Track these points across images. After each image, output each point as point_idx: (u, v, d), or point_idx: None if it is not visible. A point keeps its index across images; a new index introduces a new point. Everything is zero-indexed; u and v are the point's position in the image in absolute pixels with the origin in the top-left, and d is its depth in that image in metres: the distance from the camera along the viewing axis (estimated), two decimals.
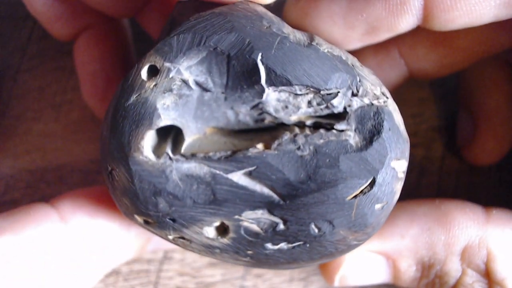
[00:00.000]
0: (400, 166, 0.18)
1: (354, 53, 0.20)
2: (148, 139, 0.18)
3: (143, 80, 0.18)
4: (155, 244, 0.23)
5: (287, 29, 0.18)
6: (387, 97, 0.18)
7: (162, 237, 0.19)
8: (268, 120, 0.18)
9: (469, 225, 0.21)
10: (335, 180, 0.17)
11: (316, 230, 0.18)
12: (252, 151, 0.17)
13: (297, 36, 0.18)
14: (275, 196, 0.18)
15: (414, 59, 0.24)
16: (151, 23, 0.25)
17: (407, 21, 0.19)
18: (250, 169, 0.17)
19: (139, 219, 0.18)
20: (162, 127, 0.18)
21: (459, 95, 0.27)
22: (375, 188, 0.17)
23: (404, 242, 0.21)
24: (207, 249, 0.18)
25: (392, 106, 0.18)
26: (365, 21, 0.19)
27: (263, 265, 0.19)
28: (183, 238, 0.18)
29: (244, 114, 0.18)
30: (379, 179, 0.17)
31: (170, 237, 0.19)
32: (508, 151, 0.26)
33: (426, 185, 0.27)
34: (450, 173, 0.28)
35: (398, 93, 0.28)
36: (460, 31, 0.22)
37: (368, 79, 0.18)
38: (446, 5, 0.18)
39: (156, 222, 0.18)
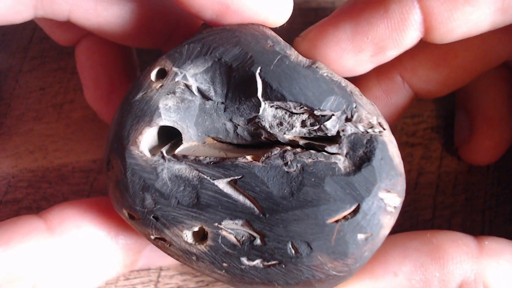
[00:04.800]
0: (390, 199, 0.18)
1: (359, 84, 0.20)
2: (147, 136, 0.18)
3: (151, 80, 0.19)
4: (145, 260, 0.23)
5: (290, 51, 0.19)
6: (383, 128, 0.18)
7: (145, 235, 0.19)
8: (264, 136, 0.19)
9: (463, 259, 0.20)
10: (318, 200, 0.17)
11: (293, 251, 0.17)
12: (240, 160, 0.18)
13: (299, 58, 0.18)
14: (255, 209, 0.18)
15: (416, 81, 0.24)
16: None
17: (411, 36, 0.19)
18: (236, 177, 0.18)
19: (126, 213, 0.19)
20: (167, 131, 0.19)
21: (456, 95, 0.27)
22: (358, 216, 0.17)
23: (398, 280, 0.20)
24: (185, 254, 0.19)
25: (388, 138, 0.18)
26: (372, 42, 0.19)
27: (238, 283, 0.19)
28: (164, 240, 0.19)
29: (242, 128, 0.19)
30: (364, 207, 0.17)
31: (152, 237, 0.19)
32: (506, 151, 0.26)
33: (425, 185, 0.28)
34: (449, 172, 0.28)
35: None
36: (459, 49, 0.22)
37: (365, 107, 0.18)
38: (444, 17, 0.18)
39: (140, 219, 0.19)
